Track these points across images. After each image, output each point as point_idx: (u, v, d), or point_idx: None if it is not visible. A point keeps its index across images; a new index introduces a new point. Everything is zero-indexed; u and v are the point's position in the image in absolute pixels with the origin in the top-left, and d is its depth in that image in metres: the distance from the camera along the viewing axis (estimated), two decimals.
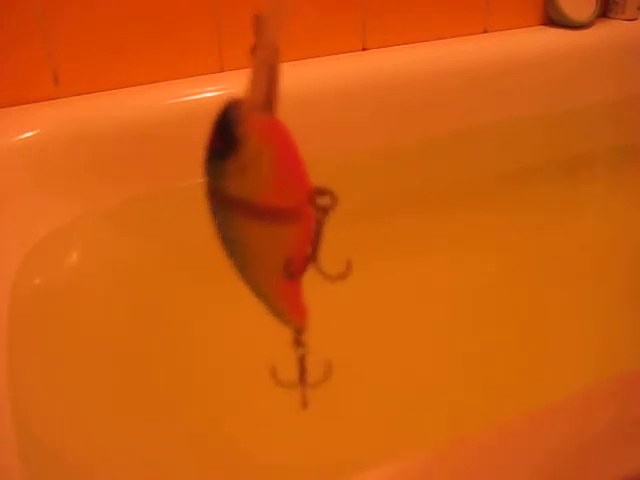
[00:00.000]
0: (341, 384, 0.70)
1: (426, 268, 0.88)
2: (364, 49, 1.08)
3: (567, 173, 1.12)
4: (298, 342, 0.38)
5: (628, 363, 0.70)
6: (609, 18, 1.23)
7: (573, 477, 0.41)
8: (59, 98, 0.92)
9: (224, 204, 0.33)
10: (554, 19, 1.19)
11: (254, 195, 0.31)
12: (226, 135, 0.32)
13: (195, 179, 1.06)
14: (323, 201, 0.31)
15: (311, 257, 0.33)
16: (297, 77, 0.99)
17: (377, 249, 0.90)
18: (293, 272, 0.33)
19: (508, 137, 1.14)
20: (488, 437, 0.43)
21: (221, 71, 1.00)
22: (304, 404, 0.39)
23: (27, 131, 0.86)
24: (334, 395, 0.69)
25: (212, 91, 0.96)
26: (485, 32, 1.16)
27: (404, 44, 1.10)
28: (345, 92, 1.02)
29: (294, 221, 0.32)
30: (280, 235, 0.32)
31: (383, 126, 1.05)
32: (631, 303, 0.83)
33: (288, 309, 0.37)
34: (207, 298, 0.83)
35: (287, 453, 0.63)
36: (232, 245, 0.35)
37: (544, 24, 1.21)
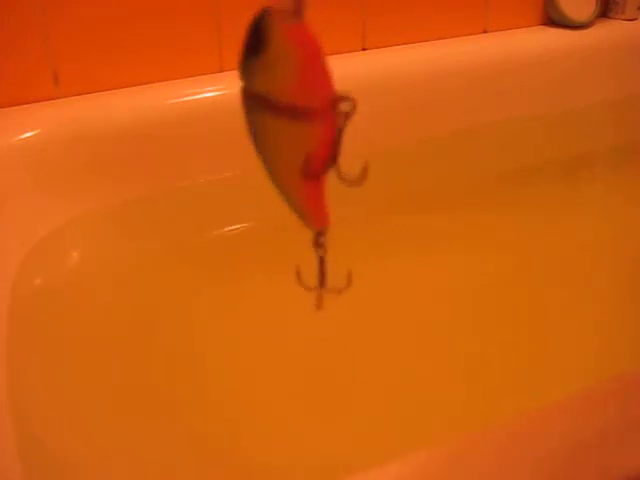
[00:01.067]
0: (340, 383, 0.70)
1: (426, 268, 0.88)
2: (364, 49, 1.08)
3: (567, 173, 1.12)
4: (318, 244, 0.39)
5: (628, 363, 0.70)
6: (609, 18, 1.23)
7: (573, 477, 0.41)
8: (59, 98, 0.92)
9: (253, 101, 0.36)
10: (554, 19, 1.19)
11: (276, 91, 0.34)
12: (256, 35, 0.35)
13: (195, 179, 1.07)
14: (344, 106, 0.34)
15: (332, 160, 0.35)
16: None
17: (377, 249, 0.90)
18: (312, 171, 0.35)
19: (508, 137, 1.14)
20: (488, 437, 0.43)
21: (221, 71, 1.00)
22: (319, 306, 0.40)
23: (27, 131, 0.86)
24: (334, 394, 0.69)
25: (212, 91, 0.96)
26: (485, 32, 1.16)
27: (404, 44, 1.10)
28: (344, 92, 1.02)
29: (314, 122, 0.34)
30: (300, 133, 0.34)
31: (383, 126, 1.05)
32: (631, 303, 0.83)
33: (309, 209, 0.38)
34: (207, 298, 0.83)
35: (287, 453, 0.63)
36: (260, 142, 0.37)
37: (544, 24, 1.21)
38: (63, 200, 0.88)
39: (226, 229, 0.95)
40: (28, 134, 0.86)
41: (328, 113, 0.34)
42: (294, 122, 0.34)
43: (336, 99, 0.34)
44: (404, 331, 0.77)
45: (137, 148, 0.92)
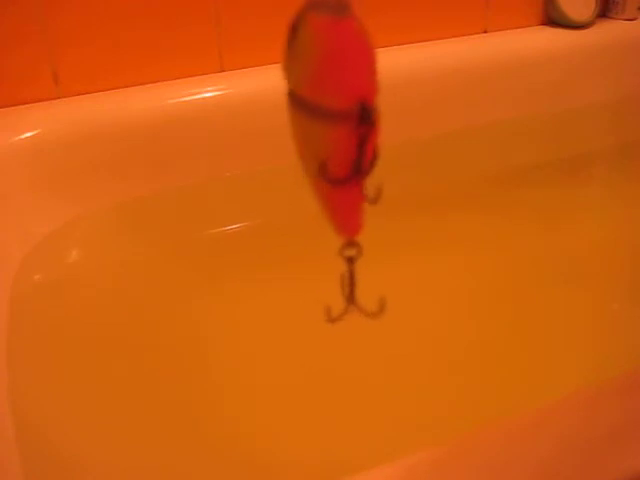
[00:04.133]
0: (341, 382, 0.70)
1: (425, 268, 0.88)
2: None
3: (567, 173, 1.12)
4: (344, 255, 0.36)
5: (628, 363, 0.70)
6: (609, 18, 1.23)
7: (573, 477, 0.41)
8: (59, 98, 0.92)
9: (289, 95, 0.34)
10: (554, 19, 1.19)
11: (298, 84, 0.32)
12: (292, 28, 0.32)
13: (195, 179, 1.07)
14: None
15: (356, 170, 0.32)
16: None
17: (376, 249, 0.90)
18: (329, 176, 0.33)
19: (508, 137, 1.14)
20: (488, 437, 0.43)
21: (221, 71, 1.00)
22: (371, 315, 0.38)
23: (27, 131, 0.86)
24: (335, 393, 0.69)
25: (212, 91, 0.96)
26: (485, 32, 1.16)
27: (404, 44, 1.10)
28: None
29: (333, 124, 0.32)
30: (319, 133, 0.32)
31: (382, 126, 1.05)
32: (631, 303, 0.83)
33: (332, 216, 0.35)
34: (207, 297, 0.83)
35: (288, 453, 0.63)
36: (295, 138, 0.35)
37: (544, 24, 1.21)
38: (63, 200, 0.88)
39: (225, 228, 0.95)
40: (28, 134, 0.86)
41: (352, 118, 0.31)
42: (314, 120, 0.32)
43: (367, 106, 0.31)
44: (403, 331, 0.77)
45: (137, 148, 0.92)
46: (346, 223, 0.36)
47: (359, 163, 0.32)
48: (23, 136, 0.86)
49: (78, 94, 0.93)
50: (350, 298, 0.38)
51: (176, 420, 0.66)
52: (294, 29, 0.32)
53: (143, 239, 0.91)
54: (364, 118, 0.31)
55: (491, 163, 1.11)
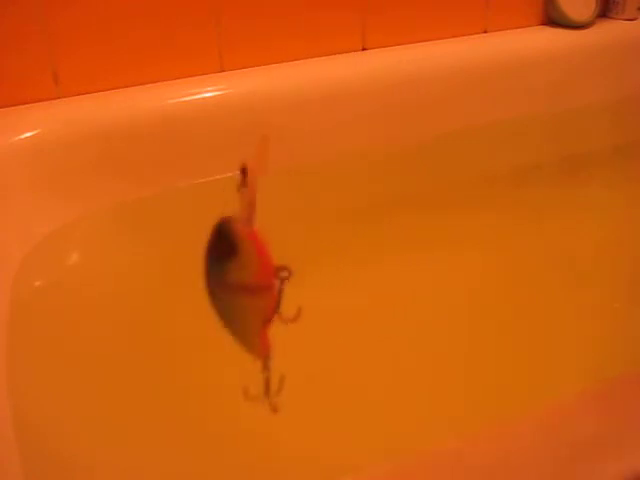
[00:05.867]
0: (341, 383, 0.71)
1: (425, 268, 0.88)
2: (364, 49, 1.08)
3: (567, 173, 1.12)
4: (265, 367, 0.52)
5: (628, 364, 0.70)
6: (609, 18, 1.23)
7: (573, 477, 0.41)
8: (59, 98, 0.92)
9: (225, 290, 0.48)
10: (554, 19, 1.19)
11: (250, 279, 0.47)
12: (227, 244, 0.46)
13: (195, 179, 1.07)
14: (284, 274, 0.47)
15: (276, 310, 0.48)
16: (296, 77, 0.99)
17: (376, 249, 0.90)
18: (269, 320, 0.49)
19: (508, 137, 1.14)
20: (488, 437, 0.43)
21: (221, 71, 1.00)
22: (274, 410, 0.51)
23: (27, 131, 0.86)
24: (334, 394, 0.69)
25: (212, 91, 0.96)
26: (485, 32, 1.16)
27: (404, 44, 1.10)
28: (345, 92, 1.03)
29: (270, 290, 0.47)
30: (263, 301, 0.48)
31: (383, 126, 1.05)
32: (631, 303, 0.83)
33: (262, 346, 0.51)
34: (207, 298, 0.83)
35: (288, 453, 0.63)
36: (228, 315, 0.51)
37: (544, 24, 1.21)
38: (63, 200, 0.88)
39: None
40: (28, 134, 0.86)
41: (274, 281, 0.47)
42: (260, 295, 0.48)
43: (278, 270, 0.47)
44: (403, 331, 0.77)
45: (137, 148, 0.92)
46: (267, 345, 0.51)
47: (279, 304, 0.48)
48: (23, 136, 0.86)
49: (78, 94, 0.93)
50: (267, 393, 0.52)
51: (176, 420, 0.66)
52: (233, 244, 0.45)
53: (143, 239, 0.91)
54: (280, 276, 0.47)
55: (491, 163, 1.11)
